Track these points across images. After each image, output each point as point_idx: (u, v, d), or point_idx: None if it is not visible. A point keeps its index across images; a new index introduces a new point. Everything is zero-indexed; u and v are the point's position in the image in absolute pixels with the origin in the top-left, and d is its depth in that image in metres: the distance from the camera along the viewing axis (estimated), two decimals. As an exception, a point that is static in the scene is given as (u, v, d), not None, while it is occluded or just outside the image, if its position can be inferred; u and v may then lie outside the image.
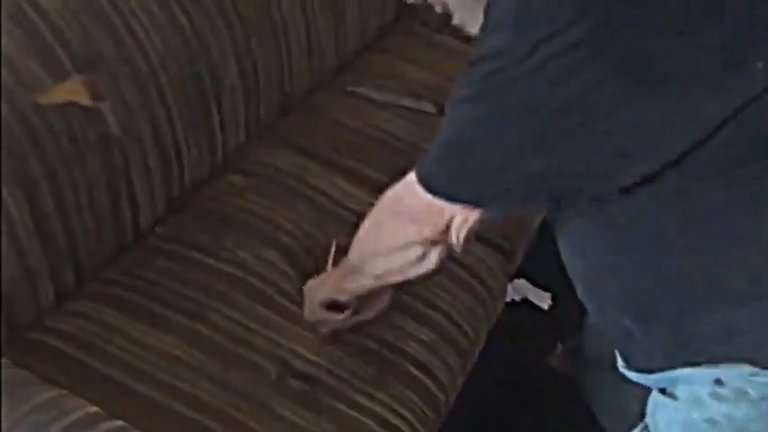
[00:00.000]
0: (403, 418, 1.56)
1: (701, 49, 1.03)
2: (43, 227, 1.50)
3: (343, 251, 1.52)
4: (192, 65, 1.73)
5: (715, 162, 1.11)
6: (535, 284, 2.40)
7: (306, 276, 1.66)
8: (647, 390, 1.36)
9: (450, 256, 1.38)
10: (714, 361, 1.24)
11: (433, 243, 1.33)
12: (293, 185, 1.85)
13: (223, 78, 1.80)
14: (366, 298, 1.57)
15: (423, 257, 1.36)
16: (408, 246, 1.35)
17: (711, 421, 1.26)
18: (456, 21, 1.27)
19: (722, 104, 1.07)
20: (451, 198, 1.22)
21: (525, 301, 2.40)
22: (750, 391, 1.23)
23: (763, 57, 1.05)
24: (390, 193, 1.35)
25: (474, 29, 1.25)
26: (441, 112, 2.05)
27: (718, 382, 1.24)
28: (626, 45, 1.02)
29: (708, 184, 1.14)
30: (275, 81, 1.95)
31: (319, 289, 1.59)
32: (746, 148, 1.12)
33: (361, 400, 1.55)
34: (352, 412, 1.53)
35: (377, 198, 1.82)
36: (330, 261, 1.65)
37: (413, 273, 1.40)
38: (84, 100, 1.53)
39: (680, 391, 1.30)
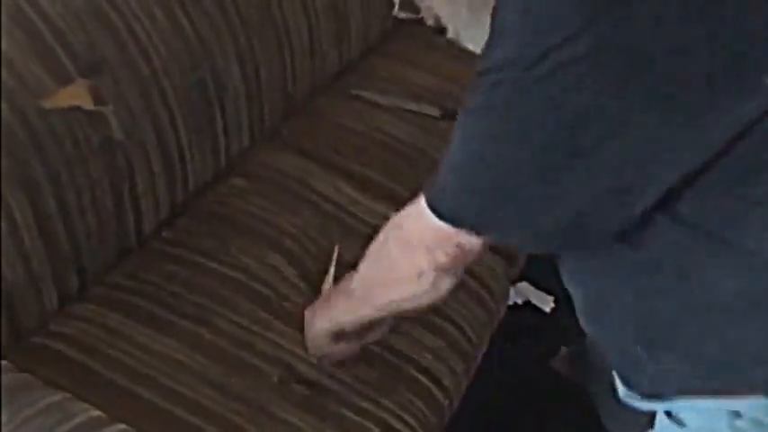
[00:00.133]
0: (407, 423, 1.56)
1: (709, 63, 0.99)
2: (46, 230, 1.50)
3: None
4: (194, 68, 1.72)
5: (726, 181, 1.07)
6: (537, 287, 2.40)
7: (309, 281, 1.65)
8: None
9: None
10: (727, 391, 1.20)
11: (446, 270, 1.26)
12: (297, 189, 1.85)
13: (226, 82, 1.80)
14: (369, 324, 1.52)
15: (435, 286, 1.29)
16: (420, 275, 1.28)
17: None
18: (450, 34, 1.25)
19: (731, 121, 1.03)
20: (457, 223, 1.16)
21: (527, 303, 2.39)
22: None
23: None
24: (397, 221, 1.31)
25: (469, 42, 1.24)
26: (444, 115, 2.07)
27: (736, 414, 1.21)
28: (632, 55, 0.98)
29: (721, 203, 1.09)
30: (278, 84, 1.95)
31: (319, 321, 1.53)
32: (758, 166, 1.07)
33: (366, 405, 1.55)
34: (356, 417, 1.53)
35: (380, 202, 1.85)
36: (332, 266, 1.65)
37: (424, 301, 1.33)
38: (88, 104, 1.53)
39: (689, 418, 1.27)
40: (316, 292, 1.66)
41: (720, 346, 1.17)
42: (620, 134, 1.01)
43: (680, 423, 1.28)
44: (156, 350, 1.53)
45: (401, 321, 1.65)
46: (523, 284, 2.39)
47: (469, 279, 1.81)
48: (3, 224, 1.43)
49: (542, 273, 2.09)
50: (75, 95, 1.51)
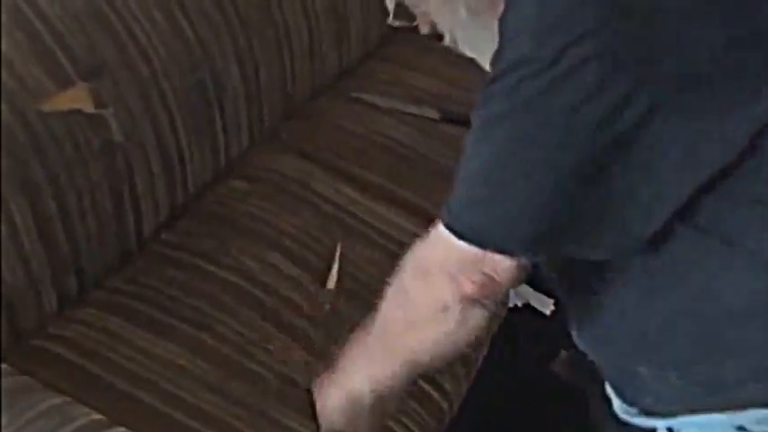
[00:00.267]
0: (407, 427, 1.56)
1: (733, 59, 0.98)
2: (46, 233, 1.50)
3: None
4: (194, 70, 1.72)
5: (749, 186, 1.04)
6: (537, 290, 2.40)
7: (313, 278, 1.66)
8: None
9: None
10: (732, 406, 1.17)
11: (474, 300, 1.13)
12: (297, 191, 1.85)
13: (225, 83, 1.80)
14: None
15: (463, 321, 1.15)
16: (445, 309, 1.15)
17: None
18: (447, 42, 1.24)
19: (754, 120, 1.01)
20: (482, 242, 1.07)
21: (527, 306, 2.39)
22: None
23: None
24: (414, 253, 1.18)
25: (467, 48, 1.22)
26: (444, 118, 2.07)
27: (741, 428, 1.18)
28: (653, 50, 0.95)
29: (735, 207, 1.06)
30: (278, 85, 1.94)
31: (331, 395, 1.38)
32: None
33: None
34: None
35: (380, 203, 1.85)
36: (336, 263, 1.66)
37: (452, 345, 1.18)
38: (88, 107, 1.53)
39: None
40: (321, 288, 1.66)
41: (722, 353, 1.15)
42: (648, 130, 0.97)
43: None
44: (156, 354, 1.52)
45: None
46: (523, 287, 2.38)
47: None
48: (2, 227, 1.43)
49: (542, 275, 2.09)
50: (76, 99, 1.51)
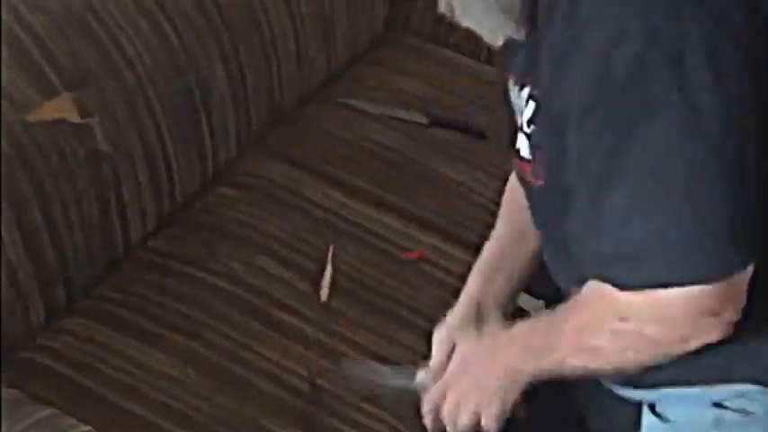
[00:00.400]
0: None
1: None
2: (33, 244, 1.49)
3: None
4: (179, 76, 1.72)
5: None
6: (526, 291, 2.39)
7: (305, 279, 1.66)
8: (640, 404, 1.32)
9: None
10: (712, 380, 1.20)
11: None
12: (286, 197, 1.84)
13: (212, 89, 1.79)
14: None
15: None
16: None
17: None
18: (443, 9, 1.20)
19: None
20: (732, 266, 1.04)
21: (517, 308, 2.39)
22: (756, 409, 1.19)
23: None
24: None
25: (465, 18, 1.19)
26: (432, 122, 2.07)
27: (719, 405, 1.20)
28: None
29: None
30: (265, 91, 1.94)
31: (506, 358, 1.29)
32: None
33: (359, 417, 1.54)
34: (351, 430, 1.52)
35: (370, 207, 1.85)
36: (329, 265, 1.66)
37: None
38: (74, 117, 1.52)
39: (671, 412, 1.26)
40: (313, 290, 1.66)
41: None
42: None
43: (665, 419, 1.27)
44: (145, 364, 1.52)
45: (392, 328, 1.64)
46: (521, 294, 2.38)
47: (462, 286, 1.80)
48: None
49: (539, 282, 2.09)
50: (61, 108, 1.50)
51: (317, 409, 1.53)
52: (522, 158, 1.24)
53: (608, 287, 1.10)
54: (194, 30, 1.75)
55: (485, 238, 1.48)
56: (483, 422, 1.31)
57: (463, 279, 1.81)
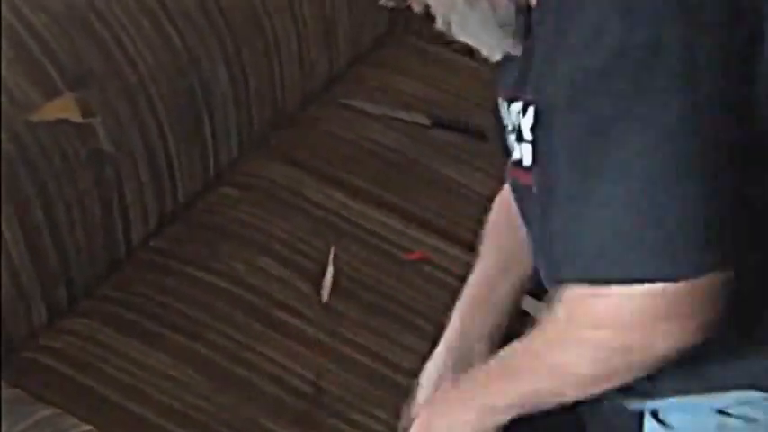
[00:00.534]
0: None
1: None
2: (35, 244, 1.49)
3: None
4: (182, 76, 1.72)
5: None
6: (530, 294, 2.39)
7: (306, 280, 1.66)
8: (642, 411, 1.30)
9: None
10: (714, 388, 1.19)
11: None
12: (287, 197, 1.84)
13: (214, 89, 1.79)
14: None
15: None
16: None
17: None
18: (440, 25, 1.20)
19: None
20: (709, 266, 1.01)
21: (521, 311, 2.39)
22: (759, 416, 1.18)
23: None
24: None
25: (461, 33, 1.19)
26: (435, 123, 2.07)
27: (722, 412, 1.19)
28: None
29: None
30: (267, 91, 1.94)
31: (456, 413, 1.26)
32: None
33: (361, 418, 1.54)
34: (349, 430, 1.52)
35: (372, 208, 1.85)
36: (330, 266, 1.66)
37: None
38: (76, 117, 1.52)
39: (674, 418, 1.25)
40: (315, 290, 1.66)
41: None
42: None
43: (668, 426, 1.26)
44: (147, 364, 1.52)
45: (395, 330, 1.65)
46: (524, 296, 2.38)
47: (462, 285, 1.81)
48: (-9, 238, 1.43)
49: (536, 279, 2.09)
50: (63, 108, 1.50)
51: (318, 410, 1.53)
52: (524, 168, 1.23)
53: (581, 291, 1.06)
54: (197, 30, 1.75)
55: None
56: None
57: (464, 280, 1.81)
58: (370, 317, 1.67)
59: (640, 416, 1.31)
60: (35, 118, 1.47)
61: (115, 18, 1.62)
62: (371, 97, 2.10)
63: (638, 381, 1.18)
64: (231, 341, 1.58)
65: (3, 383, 1.35)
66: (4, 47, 1.48)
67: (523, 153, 1.22)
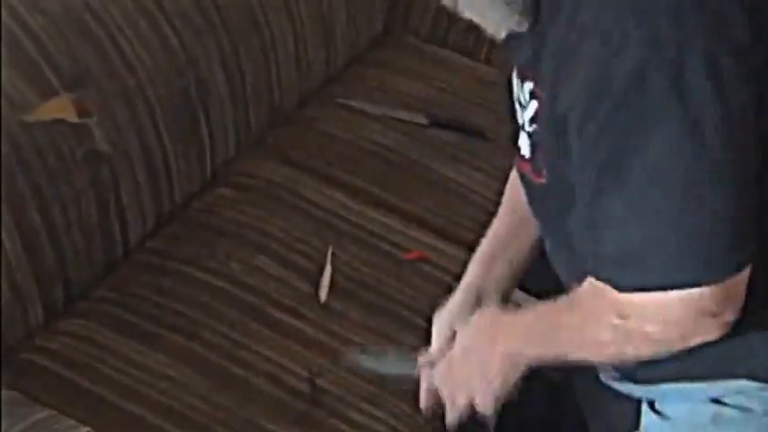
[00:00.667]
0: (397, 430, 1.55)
1: None
2: (31, 245, 1.49)
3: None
4: (178, 77, 1.72)
5: None
6: (528, 292, 2.39)
7: (304, 279, 1.66)
8: (639, 401, 1.33)
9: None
10: (710, 376, 1.21)
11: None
12: (285, 197, 1.84)
13: (211, 89, 1.79)
14: None
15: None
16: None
17: None
18: (446, 1, 1.19)
19: None
20: (735, 265, 1.07)
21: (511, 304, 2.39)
22: (754, 406, 1.20)
23: None
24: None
25: (467, 10, 1.17)
26: (432, 123, 2.07)
27: (717, 401, 1.21)
28: None
29: None
30: (264, 91, 1.94)
31: (507, 340, 1.31)
32: None
33: (359, 417, 1.54)
34: (349, 430, 1.52)
35: (370, 208, 1.85)
36: (328, 265, 1.66)
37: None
38: (72, 117, 1.52)
39: (671, 409, 1.26)
40: (313, 290, 1.67)
41: None
42: None
43: (664, 417, 1.27)
44: (144, 364, 1.52)
45: (392, 328, 1.64)
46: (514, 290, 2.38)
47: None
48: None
49: (531, 278, 2.09)
50: (59, 109, 1.50)
51: (317, 410, 1.53)
52: (521, 157, 1.24)
53: (607, 287, 1.11)
54: (193, 30, 1.75)
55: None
56: (479, 403, 1.35)
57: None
58: (369, 316, 1.67)
59: (638, 406, 1.32)
60: (31, 118, 1.47)
61: (111, 19, 1.62)
62: (369, 97, 2.10)
63: (637, 367, 1.21)
64: (229, 341, 1.58)
65: (0, 385, 1.35)
66: (1, 47, 1.47)
67: (522, 143, 1.24)
